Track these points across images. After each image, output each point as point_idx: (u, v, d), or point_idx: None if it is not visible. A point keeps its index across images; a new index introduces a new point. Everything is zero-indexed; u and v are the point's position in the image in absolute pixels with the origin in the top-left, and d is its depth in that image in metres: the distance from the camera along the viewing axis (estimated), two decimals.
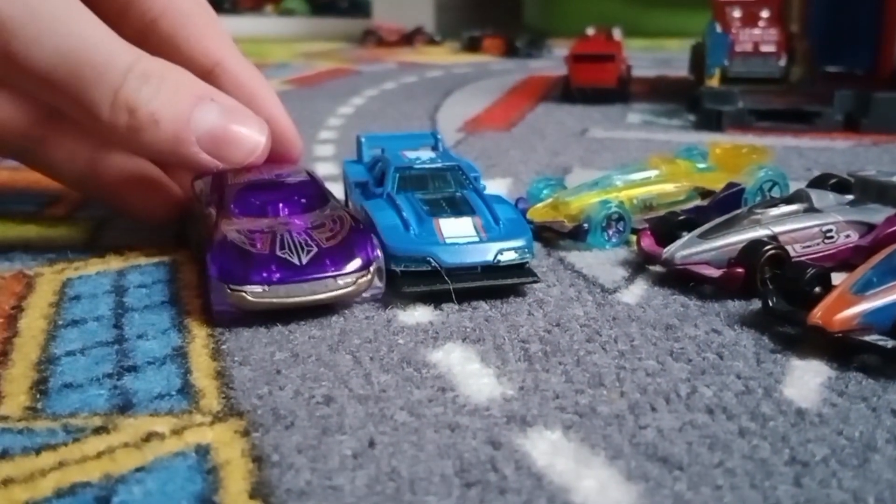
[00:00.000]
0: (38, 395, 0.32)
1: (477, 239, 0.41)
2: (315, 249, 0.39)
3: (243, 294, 0.37)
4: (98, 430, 0.30)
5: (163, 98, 0.41)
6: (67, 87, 0.40)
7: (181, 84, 0.42)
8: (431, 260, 0.40)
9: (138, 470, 0.27)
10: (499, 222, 0.42)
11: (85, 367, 0.35)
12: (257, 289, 0.38)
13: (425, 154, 0.50)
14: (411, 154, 0.49)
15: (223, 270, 0.38)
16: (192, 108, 0.42)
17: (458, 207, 0.43)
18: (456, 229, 0.42)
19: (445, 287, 0.40)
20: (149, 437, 0.29)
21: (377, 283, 0.40)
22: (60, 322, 0.39)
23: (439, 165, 0.47)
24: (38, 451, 0.29)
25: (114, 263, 0.47)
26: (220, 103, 0.44)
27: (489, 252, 0.41)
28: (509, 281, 0.41)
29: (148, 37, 0.46)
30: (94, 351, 0.36)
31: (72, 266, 0.47)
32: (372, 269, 0.40)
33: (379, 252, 0.41)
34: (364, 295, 0.40)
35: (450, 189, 0.46)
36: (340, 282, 0.39)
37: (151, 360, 0.35)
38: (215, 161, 0.43)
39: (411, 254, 0.41)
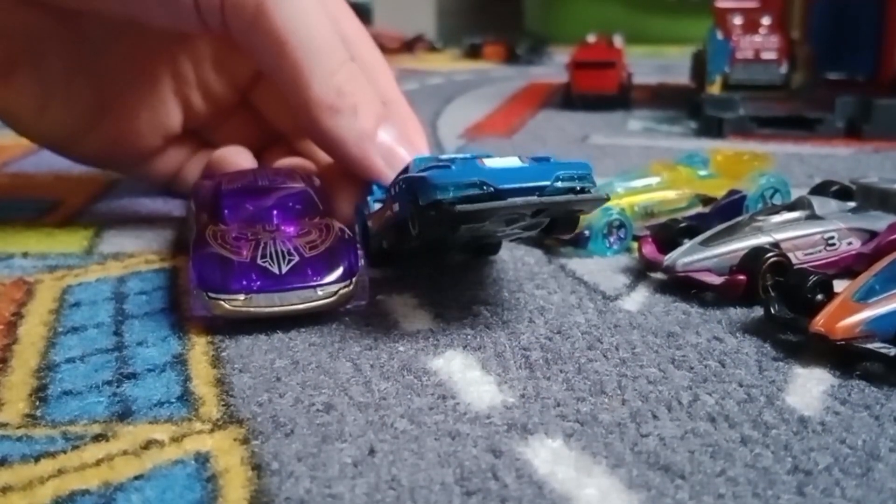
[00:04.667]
0: (37, 403, 0.32)
1: (530, 166, 0.36)
2: (296, 258, 0.39)
3: (221, 302, 0.37)
4: (97, 438, 0.30)
5: (364, 97, 0.46)
6: (292, 54, 0.44)
7: (374, 101, 0.48)
8: (484, 185, 0.33)
9: (137, 478, 0.27)
10: (549, 161, 0.37)
11: (84, 374, 0.35)
12: (236, 297, 0.37)
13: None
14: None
15: (202, 278, 0.38)
16: (379, 122, 0.47)
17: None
18: (503, 163, 0.36)
19: (502, 205, 0.34)
20: (148, 445, 0.29)
21: (360, 294, 0.40)
22: (60, 329, 0.39)
23: (467, 156, 0.42)
24: (36, 459, 0.28)
25: (114, 270, 0.47)
26: (395, 128, 0.48)
27: (547, 174, 0.34)
28: (574, 198, 0.35)
29: None
30: (94, 358, 0.36)
31: (72, 273, 0.47)
32: (355, 279, 0.39)
33: (363, 262, 0.40)
34: (347, 306, 0.40)
35: None
36: (320, 292, 0.38)
37: (151, 367, 0.35)
38: (386, 171, 0.47)
39: (460, 179, 0.34)
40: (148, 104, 0.54)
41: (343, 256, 0.40)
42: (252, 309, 0.38)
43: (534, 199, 0.34)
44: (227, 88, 0.56)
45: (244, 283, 0.38)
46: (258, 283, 0.38)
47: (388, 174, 0.46)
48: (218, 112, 0.57)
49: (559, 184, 0.35)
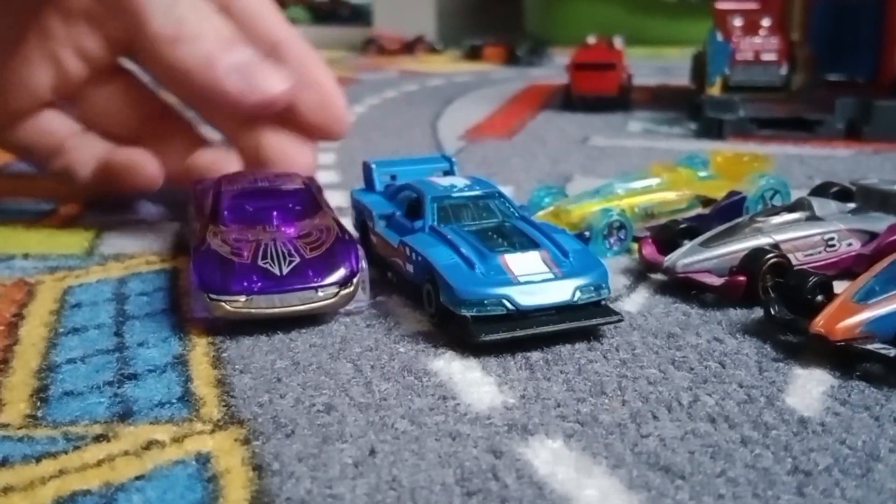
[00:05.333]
0: (38, 403, 0.32)
1: (551, 276, 0.37)
2: (297, 260, 0.39)
3: (222, 304, 0.38)
4: (98, 438, 0.30)
5: (208, 26, 0.46)
6: None
7: (222, 27, 0.48)
8: (507, 303, 0.36)
9: (138, 478, 0.27)
10: (567, 255, 0.39)
11: (85, 374, 0.35)
12: (237, 298, 0.38)
13: (458, 180, 0.45)
14: (442, 181, 0.45)
15: (203, 279, 0.38)
16: (229, 45, 0.47)
17: (514, 240, 0.39)
18: (526, 266, 0.38)
19: (527, 333, 0.36)
20: (149, 446, 0.29)
21: (361, 295, 0.40)
22: (61, 330, 0.39)
23: (479, 193, 0.43)
24: (38, 459, 0.28)
25: (114, 271, 0.47)
26: (252, 48, 0.48)
27: (566, 291, 0.37)
28: (593, 322, 0.37)
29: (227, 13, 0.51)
30: (95, 359, 0.36)
31: (73, 274, 0.47)
32: (355, 280, 0.39)
33: (364, 264, 0.40)
34: (347, 308, 0.40)
35: (494, 219, 0.42)
36: (321, 293, 0.38)
37: (152, 367, 0.35)
38: (241, 89, 0.47)
39: (485, 297, 0.36)
40: (11, 59, 0.51)
41: (344, 258, 0.40)
42: (253, 310, 0.38)
43: (552, 328, 0.37)
44: (103, 47, 0.52)
45: (245, 284, 0.38)
46: (259, 284, 0.38)
47: (245, 91, 0.47)
48: (95, 74, 0.53)
49: (578, 295, 0.37)
